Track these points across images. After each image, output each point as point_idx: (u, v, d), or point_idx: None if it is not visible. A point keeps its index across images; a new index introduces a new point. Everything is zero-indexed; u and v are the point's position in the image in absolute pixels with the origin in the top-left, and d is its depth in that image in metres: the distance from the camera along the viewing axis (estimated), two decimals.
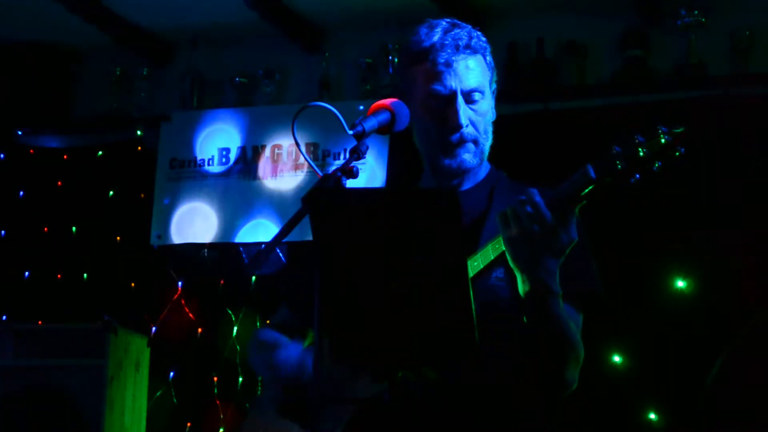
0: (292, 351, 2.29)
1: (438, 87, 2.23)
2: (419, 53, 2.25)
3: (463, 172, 2.27)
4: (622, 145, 1.96)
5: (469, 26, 2.30)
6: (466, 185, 2.31)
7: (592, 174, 1.97)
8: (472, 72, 2.24)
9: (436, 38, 2.24)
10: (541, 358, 2.08)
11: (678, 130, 1.93)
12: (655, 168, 1.95)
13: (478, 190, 2.30)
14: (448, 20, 2.29)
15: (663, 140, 1.93)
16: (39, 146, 5.52)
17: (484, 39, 2.29)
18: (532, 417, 2.18)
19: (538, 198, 1.98)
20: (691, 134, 1.93)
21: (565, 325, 2.07)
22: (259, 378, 4.66)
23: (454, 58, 2.22)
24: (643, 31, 4.66)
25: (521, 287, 2.04)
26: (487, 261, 2.09)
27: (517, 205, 2.00)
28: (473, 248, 2.14)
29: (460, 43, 2.23)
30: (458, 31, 2.25)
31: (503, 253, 2.06)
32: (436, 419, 2.12)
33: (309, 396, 1.72)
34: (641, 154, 1.93)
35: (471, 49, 2.24)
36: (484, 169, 2.34)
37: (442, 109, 2.23)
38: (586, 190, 1.98)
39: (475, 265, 2.10)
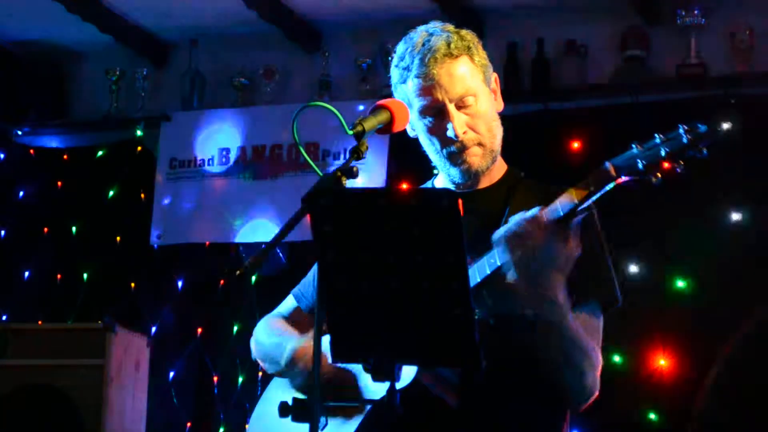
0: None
1: (427, 102, 2.20)
2: (402, 72, 2.23)
3: (474, 175, 2.24)
4: (643, 144, 1.89)
5: (448, 30, 2.24)
6: (483, 184, 2.28)
7: (612, 173, 1.91)
8: (456, 78, 2.19)
9: (415, 52, 2.20)
10: (556, 369, 2.06)
11: (701, 130, 1.85)
12: (677, 168, 1.86)
13: (495, 190, 2.27)
14: (426, 28, 2.24)
15: (685, 139, 1.85)
16: (39, 146, 5.52)
17: (468, 38, 2.24)
18: (552, 420, 2.18)
19: (531, 215, 1.95)
20: (714, 133, 1.86)
21: (576, 335, 2.04)
22: (260, 376, 4.66)
23: (434, 71, 2.18)
24: (643, 31, 4.66)
25: (527, 301, 2.01)
26: (484, 275, 2.03)
27: (515, 225, 1.97)
28: (488, 247, 2.08)
29: (437, 55, 2.18)
30: (436, 39, 2.20)
31: (499, 269, 2.00)
32: (453, 422, 2.11)
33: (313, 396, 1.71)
34: (662, 153, 1.86)
35: (451, 56, 2.19)
36: (501, 168, 2.31)
37: (437, 121, 2.21)
38: (605, 190, 1.92)
39: (492, 262, 2.04)
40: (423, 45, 2.20)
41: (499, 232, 2.00)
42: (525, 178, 2.33)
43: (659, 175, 1.88)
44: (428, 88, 2.19)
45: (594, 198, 1.95)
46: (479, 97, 2.23)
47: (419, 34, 2.24)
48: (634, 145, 1.90)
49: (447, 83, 2.19)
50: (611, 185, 1.92)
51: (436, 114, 2.21)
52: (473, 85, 2.22)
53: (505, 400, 2.12)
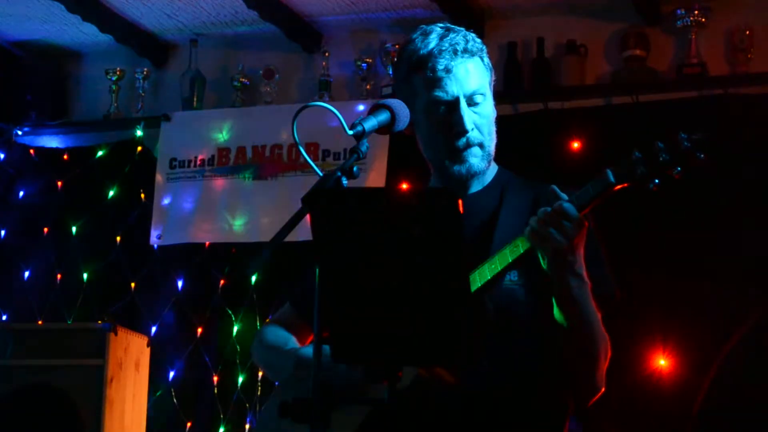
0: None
1: (440, 94, 2.22)
2: (417, 62, 2.24)
3: (471, 176, 2.26)
4: (643, 150, 1.97)
5: (463, 29, 2.29)
6: (475, 188, 2.30)
7: (612, 179, 1.98)
8: (471, 75, 2.23)
9: (432, 45, 2.22)
10: (579, 359, 2.09)
11: (697, 137, 1.93)
12: (675, 174, 1.95)
13: (488, 191, 2.30)
14: (442, 25, 2.28)
15: (684, 146, 1.93)
16: (39, 146, 5.52)
17: (479, 40, 2.28)
18: (553, 421, 2.18)
19: (573, 212, 2.00)
20: (712, 140, 1.93)
21: (597, 321, 2.10)
22: (260, 376, 4.66)
23: (453, 63, 2.21)
24: (643, 31, 4.67)
25: (558, 286, 2.05)
26: (505, 264, 2.07)
27: (554, 219, 2.00)
28: (486, 250, 2.13)
29: (458, 48, 2.22)
30: (454, 35, 2.24)
31: (521, 256, 2.05)
32: (453, 422, 2.11)
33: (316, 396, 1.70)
34: (661, 159, 1.94)
35: (469, 53, 2.23)
36: (492, 170, 2.33)
37: (446, 115, 2.22)
38: (605, 196, 2.00)
39: (493, 267, 2.08)
40: (442, 39, 2.23)
41: (532, 222, 2.04)
42: (515, 176, 2.35)
43: (657, 181, 1.96)
44: (444, 79, 2.21)
45: (594, 204, 2.01)
46: (487, 97, 2.27)
47: (436, 27, 2.27)
48: (635, 152, 1.95)
49: (463, 77, 2.22)
50: (611, 191, 1.99)
51: (447, 108, 2.22)
52: (484, 84, 2.26)
53: (506, 401, 2.13)
